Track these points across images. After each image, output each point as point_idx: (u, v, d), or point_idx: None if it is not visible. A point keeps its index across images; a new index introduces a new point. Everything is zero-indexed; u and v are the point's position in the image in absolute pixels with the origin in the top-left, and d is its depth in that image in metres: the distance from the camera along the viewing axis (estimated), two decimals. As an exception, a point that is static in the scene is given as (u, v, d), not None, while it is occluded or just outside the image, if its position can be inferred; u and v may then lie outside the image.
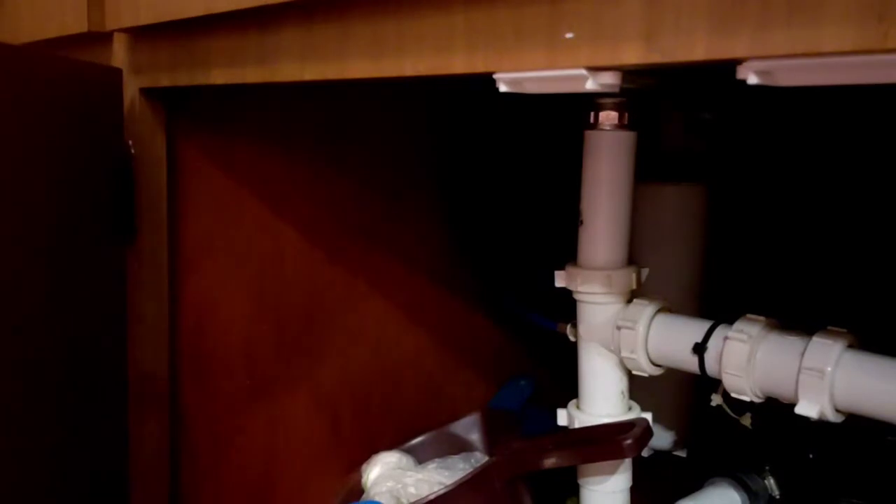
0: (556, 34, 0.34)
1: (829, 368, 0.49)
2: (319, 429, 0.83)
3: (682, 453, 0.85)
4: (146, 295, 0.69)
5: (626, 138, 0.62)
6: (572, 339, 0.69)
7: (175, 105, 0.69)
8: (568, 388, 0.70)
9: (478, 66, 0.38)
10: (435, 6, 0.40)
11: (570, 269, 0.65)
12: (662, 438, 0.83)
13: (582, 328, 0.66)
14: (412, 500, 0.71)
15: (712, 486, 0.70)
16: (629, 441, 0.60)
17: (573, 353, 0.68)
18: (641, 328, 0.61)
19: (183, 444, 0.74)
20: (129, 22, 0.61)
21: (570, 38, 0.33)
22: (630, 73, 0.34)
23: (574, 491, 0.68)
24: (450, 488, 0.65)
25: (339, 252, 0.81)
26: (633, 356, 0.62)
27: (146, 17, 0.58)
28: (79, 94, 0.61)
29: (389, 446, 0.83)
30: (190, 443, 0.74)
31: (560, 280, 0.66)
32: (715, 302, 0.79)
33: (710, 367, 0.57)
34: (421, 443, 0.86)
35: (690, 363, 0.59)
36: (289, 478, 0.82)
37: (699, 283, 0.81)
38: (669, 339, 0.60)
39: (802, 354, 0.51)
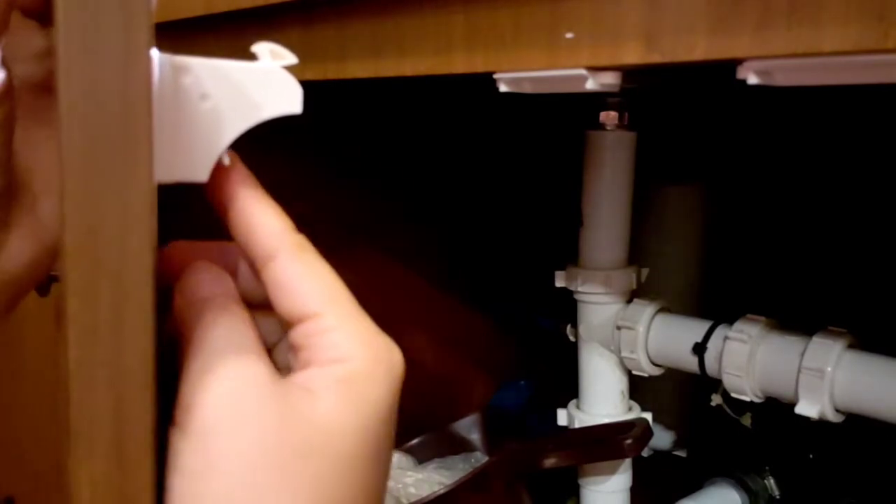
0: (556, 34, 0.34)
1: (829, 368, 0.49)
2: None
3: (682, 453, 0.85)
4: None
5: (627, 138, 0.62)
6: (572, 339, 0.69)
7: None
8: (568, 388, 0.70)
9: (478, 66, 0.38)
10: (435, 6, 0.40)
11: (570, 269, 0.65)
12: (662, 438, 0.83)
13: (582, 328, 0.66)
14: (412, 500, 0.71)
15: (712, 486, 0.70)
16: (629, 441, 0.60)
17: (573, 353, 0.68)
18: (641, 328, 0.61)
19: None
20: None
21: (570, 38, 0.33)
22: (630, 73, 0.34)
23: (574, 491, 0.68)
24: (450, 488, 0.65)
25: (339, 252, 0.81)
26: (633, 356, 0.62)
27: (146, 17, 0.58)
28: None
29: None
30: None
31: (560, 280, 0.66)
32: (715, 302, 0.79)
33: (710, 367, 0.57)
34: (421, 443, 0.86)
35: (690, 363, 0.59)
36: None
37: (699, 283, 0.81)
38: (669, 339, 0.61)
39: (802, 354, 0.51)
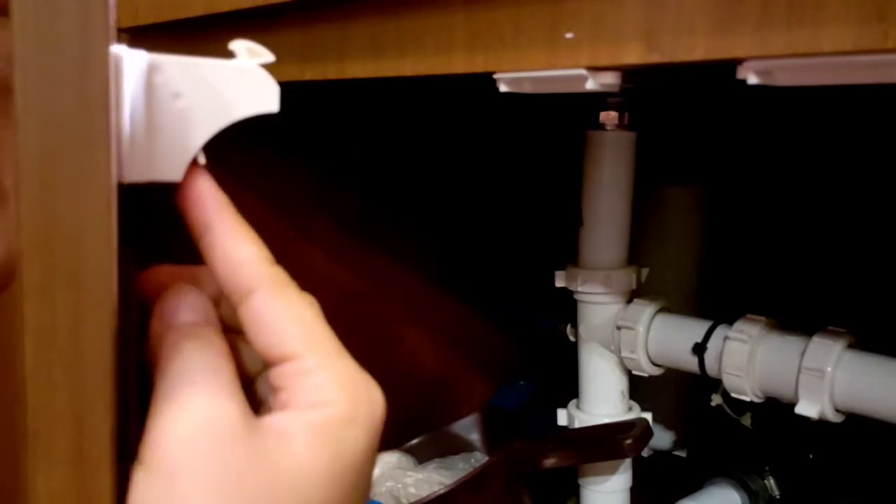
0: (556, 34, 0.34)
1: (829, 368, 0.49)
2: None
3: (682, 453, 0.85)
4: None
5: (627, 138, 0.62)
6: (572, 339, 0.69)
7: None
8: (568, 388, 0.70)
9: (478, 66, 0.38)
10: (435, 6, 0.40)
11: (570, 269, 0.65)
12: (662, 438, 0.83)
13: (582, 328, 0.66)
14: (412, 500, 0.71)
15: (712, 486, 0.70)
16: (629, 441, 0.60)
17: (573, 353, 0.68)
18: (641, 328, 0.61)
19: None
20: (128, 22, 0.61)
21: (570, 38, 0.33)
22: (630, 73, 0.34)
23: (574, 491, 0.68)
24: (450, 488, 0.65)
25: (339, 253, 0.81)
26: (633, 356, 0.62)
27: (146, 17, 0.58)
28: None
29: (389, 446, 0.83)
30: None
31: (560, 280, 0.66)
32: (715, 302, 0.79)
33: (710, 367, 0.57)
34: (421, 443, 0.86)
35: (690, 363, 0.59)
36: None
37: (699, 283, 0.81)
38: (669, 339, 0.60)
39: (802, 354, 0.51)
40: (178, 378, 0.23)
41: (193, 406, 0.22)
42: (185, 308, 0.25)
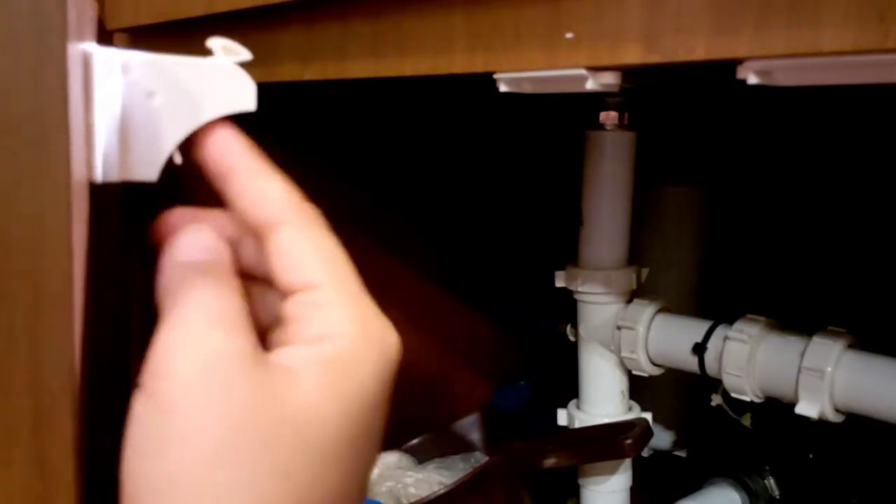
0: (556, 34, 0.34)
1: (829, 368, 0.49)
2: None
3: (682, 453, 0.85)
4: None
5: (627, 138, 0.62)
6: (572, 339, 0.69)
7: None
8: (568, 388, 0.69)
9: (478, 66, 0.38)
10: (435, 6, 0.40)
11: (570, 269, 0.65)
12: (662, 438, 0.83)
13: (582, 328, 0.66)
14: (412, 500, 0.71)
15: (712, 486, 0.70)
16: (629, 441, 0.60)
17: (573, 353, 0.68)
18: (641, 328, 0.61)
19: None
20: (129, 22, 0.61)
21: (570, 38, 0.33)
22: (630, 73, 0.34)
23: (574, 491, 0.68)
24: (450, 488, 0.65)
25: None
26: (633, 356, 0.62)
27: (146, 17, 0.58)
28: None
29: (389, 446, 0.83)
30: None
31: (560, 280, 0.66)
32: (715, 302, 0.79)
33: (710, 367, 0.57)
34: (421, 443, 0.86)
35: (690, 363, 0.59)
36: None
37: (699, 283, 0.81)
38: (669, 339, 0.60)
39: (802, 354, 0.51)
40: (187, 306, 0.22)
41: (200, 337, 0.21)
42: (197, 246, 0.25)
